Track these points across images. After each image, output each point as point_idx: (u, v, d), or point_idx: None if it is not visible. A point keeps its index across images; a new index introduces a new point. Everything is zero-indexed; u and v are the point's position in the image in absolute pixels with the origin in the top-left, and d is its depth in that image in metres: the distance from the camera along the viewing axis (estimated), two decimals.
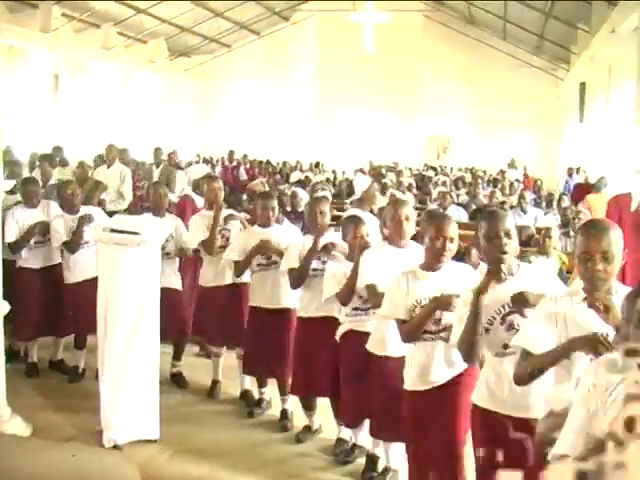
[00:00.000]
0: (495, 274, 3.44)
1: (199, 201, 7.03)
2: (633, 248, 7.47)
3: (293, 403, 5.75)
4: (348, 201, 11.56)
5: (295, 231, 6.04)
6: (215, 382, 6.42)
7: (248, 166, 19.27)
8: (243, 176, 16.35)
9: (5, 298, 5.29)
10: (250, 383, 6.22)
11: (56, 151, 12.22)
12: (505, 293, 3.44)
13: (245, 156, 20.30)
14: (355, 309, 4.86)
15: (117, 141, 17.17)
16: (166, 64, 25.90)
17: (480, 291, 3.41)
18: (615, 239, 2.94)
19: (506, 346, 3.38)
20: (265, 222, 5.78)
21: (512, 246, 3.47)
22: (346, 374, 4.95)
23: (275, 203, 5.85)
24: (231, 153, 17.52)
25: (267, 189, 11.98)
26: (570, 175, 17.72)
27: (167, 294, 5.90)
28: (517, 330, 3.33)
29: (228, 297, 6.24)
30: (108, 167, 10.64)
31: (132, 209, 10.06)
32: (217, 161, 20.78)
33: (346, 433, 5.31)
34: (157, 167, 12.49)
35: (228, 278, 6.17)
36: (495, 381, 3.46)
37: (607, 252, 2.90)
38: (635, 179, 9.45)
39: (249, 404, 6.09)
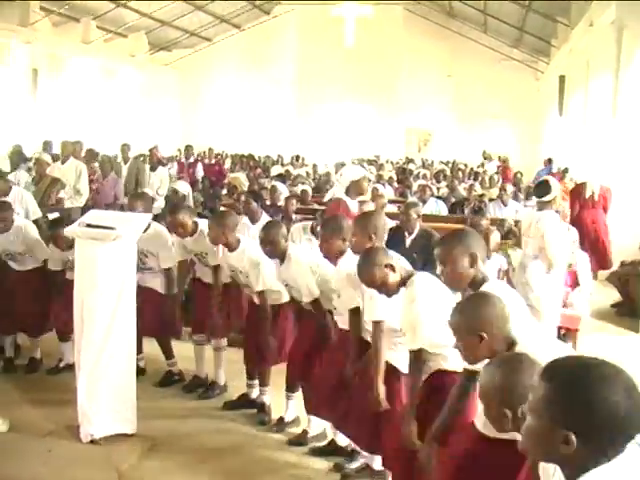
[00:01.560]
0: None
1: (352, 205, 6.82)
2: (591, 220, 10.64)
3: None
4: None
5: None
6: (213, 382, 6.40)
7: (213, 161, 18.34)
8: (200, 173, 15.51)
9: None
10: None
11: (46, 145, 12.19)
12: None
13: (210, 150, 19.19)
14: None
15: (97, 136, 17.17)
16: (147, 58, 25.80)
17: None
18: None
19: None
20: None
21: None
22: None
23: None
24: (187, 149, 16.58)
25: (247, 182, 12.04)
26: (545, 165, 17.88)
27: (149, 292, 6.04)
28: None
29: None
30: (63, 163, 10.31)
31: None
32: (175, 157, 19.56)
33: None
34: (125, 163, 12.38)
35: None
36: None
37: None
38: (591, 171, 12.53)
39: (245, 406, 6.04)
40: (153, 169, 12.20)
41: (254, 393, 6.02)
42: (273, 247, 5.20)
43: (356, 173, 7.00)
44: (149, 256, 6.19)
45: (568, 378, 1.79)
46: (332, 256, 4.87)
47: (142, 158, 13.70)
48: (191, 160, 16.41)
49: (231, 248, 5.63)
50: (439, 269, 3.52)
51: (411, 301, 3.89)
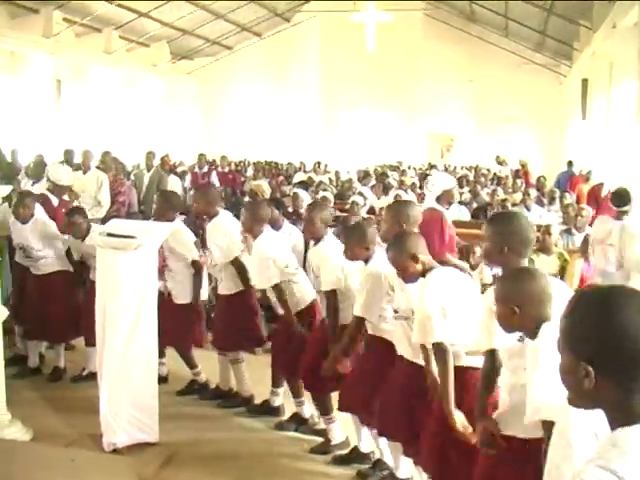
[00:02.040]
0: None
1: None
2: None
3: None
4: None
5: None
6: (229, 390, 6.41)
7: (227, 169, 18.10)
8: (215, 182, 15.17)
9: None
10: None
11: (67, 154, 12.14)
12: None
13: (223, 158, 18.63)
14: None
15: (120, 145, 17.28)
16: (169, 67, 25.93)
17: None
18: None
19: None
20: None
21: None
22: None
23: None
24: (200, 158, 16.28)
25: (269, 190, 12.03)
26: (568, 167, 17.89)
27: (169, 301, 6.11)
28: None
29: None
30: (84, 173, 10.11)
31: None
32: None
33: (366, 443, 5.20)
34: (148, 171, 12.36)
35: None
36: None
37: None
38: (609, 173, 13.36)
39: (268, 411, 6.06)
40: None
41: (277, 401, 6.00)
42: (311, 226, 5.36)
43: (448, 182, 7.11)
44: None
45: (580, 305, 1.77)
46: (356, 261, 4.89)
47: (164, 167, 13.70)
48: (205, 170, 16.12)
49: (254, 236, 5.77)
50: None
51: (423, 292, 4.00)
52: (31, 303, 6.71)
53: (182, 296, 6.29)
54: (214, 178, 15.70)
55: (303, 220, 5.89)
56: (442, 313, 3.85)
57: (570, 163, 17.79)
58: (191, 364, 6.51)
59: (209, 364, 6.46)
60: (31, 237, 6.57)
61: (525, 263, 3.49)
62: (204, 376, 6.54)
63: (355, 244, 4.79)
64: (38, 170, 9.90)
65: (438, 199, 6.81)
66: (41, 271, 6.72)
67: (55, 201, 7.88)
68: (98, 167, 10.57)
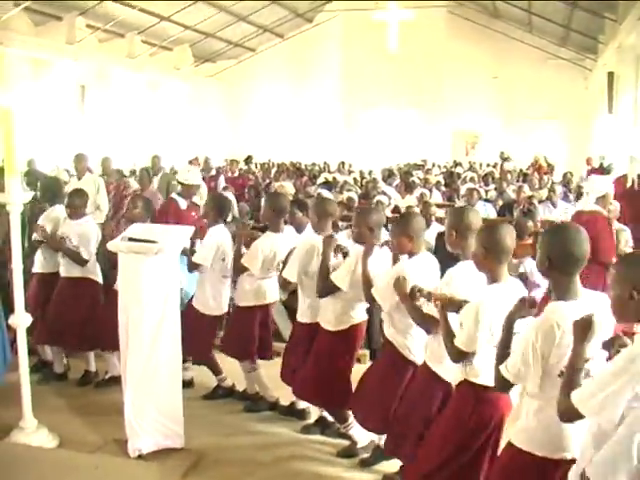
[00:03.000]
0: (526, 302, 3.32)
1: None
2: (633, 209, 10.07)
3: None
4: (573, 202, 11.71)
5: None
6: (255, 394, 6.36)
7: (237, 174, 17.16)
8: (222, 185, 14.43)
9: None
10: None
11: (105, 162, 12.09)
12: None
13: (233, 162, 17.99)
14: None
15: (145, 150, 17.26)
16: (191, 70, 26.03)
17: (513, 317, 3.31)
18: None
19: None
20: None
21: None
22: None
23: None
24: (207, 161, 15.81)
25: (294, 191, 11.97)
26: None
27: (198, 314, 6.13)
28: None
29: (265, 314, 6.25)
30: (79, 179, 9.93)
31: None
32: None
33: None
34: (155, 175, 11.94)
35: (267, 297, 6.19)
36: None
37: None
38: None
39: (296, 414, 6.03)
40: None
41: (302, 404, 5.95)
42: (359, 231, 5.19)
43: (604, 187, 7.44)
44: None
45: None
46: (401, 254, 4.84)
47: (174, 171, 13.58)
48: (212, 173, 15.62)
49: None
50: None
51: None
52: (52, 306, 6.66)
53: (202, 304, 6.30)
54: (221, 180, 15.22)
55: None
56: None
57: (587, 161, 17.96)
58: (215, 370, 6.48)
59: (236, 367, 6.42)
60: (74, 233, 6.54)
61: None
62: (230, 381, 6.50)
63: (399, 235, 4.73)
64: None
65: (597, 201, 7.24)
66: (69, 272, 6.70)
67: (183, 204, 7.92)
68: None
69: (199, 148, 22.53)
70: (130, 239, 5.18)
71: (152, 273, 5.06)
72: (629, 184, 11.85)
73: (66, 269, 6.64)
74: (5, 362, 5.54)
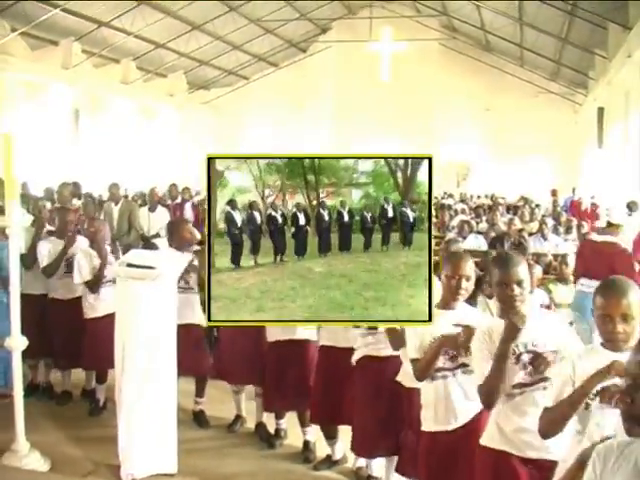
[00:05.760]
0: (514, 327, 3.30)
1: None
2: None
3: (316, 434, 5.70)
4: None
5: None
6: (238, 417, 6.35)
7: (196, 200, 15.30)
8: (188, 213, 13.76)
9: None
10: (266, 415, 6.14)
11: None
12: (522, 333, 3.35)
13: (185, 190, 15.60)
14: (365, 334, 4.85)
15: (136, 175, 17.19)
16: (185, 97, 26.15)
17: (508, 340, 3.30)
18: (635, 299, 2.85)
19: (518, 386, 3.35)
20: None
21: (523, 295, 3.39)
22: (361, 400, 4.90)
23: None
24: (171, 189, 14.71)
25: None
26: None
27: (189, 329, 5.93)
28: (529, 370, 3.34)
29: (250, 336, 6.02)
30: (115, 204, 10.50)
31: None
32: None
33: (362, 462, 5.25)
34: (116, 204, 11.52)
35: None
36: (503, 420, 3.40)
37: (627, 315, 2.84)
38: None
39: (263, 437, 6.02)
40: (152, 209, 11.72)
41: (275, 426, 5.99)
42: None
43: (620, 218, 8.11)
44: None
45: None
46: None
47: (138, 199, 13.43)
48: (178, 201, 14.48)
49: None
50: None
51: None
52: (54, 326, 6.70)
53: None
54: (187, 208, 14.29)
55: None
56: None
57: (572, 190, 18.28)
58: (202, 393, 6.47)
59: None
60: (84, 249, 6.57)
61: None
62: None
63: None
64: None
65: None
66: (70, 293, 6.66)
67: None
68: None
69: (190, 174, 22.53)
70: (128, 265, 5.21)
71: (149, 299, 5.09)
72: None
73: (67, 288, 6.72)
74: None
